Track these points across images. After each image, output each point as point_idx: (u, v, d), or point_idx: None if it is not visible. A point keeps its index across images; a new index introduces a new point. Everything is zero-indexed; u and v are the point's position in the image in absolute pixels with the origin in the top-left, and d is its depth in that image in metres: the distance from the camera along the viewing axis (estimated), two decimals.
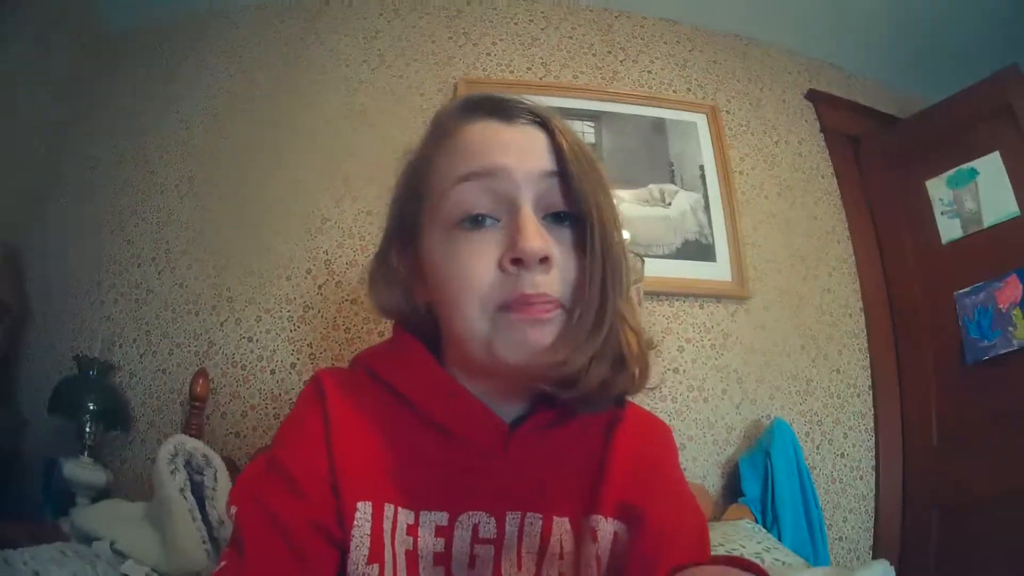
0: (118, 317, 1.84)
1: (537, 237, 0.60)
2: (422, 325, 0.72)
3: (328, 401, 0.65)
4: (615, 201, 0.68)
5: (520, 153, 0.64)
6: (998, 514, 1.75)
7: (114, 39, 2.23)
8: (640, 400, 0.73)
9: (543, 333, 0.60)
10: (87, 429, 1.62)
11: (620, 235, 0.66)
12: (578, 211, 0.63)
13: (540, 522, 0.64)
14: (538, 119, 0.66)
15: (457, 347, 0.67)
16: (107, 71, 2.18)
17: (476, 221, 0.63)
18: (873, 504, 1.94)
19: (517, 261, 0.60)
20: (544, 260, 0.60)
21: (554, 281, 0.61)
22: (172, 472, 1.35)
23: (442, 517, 0.63)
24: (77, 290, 1.89)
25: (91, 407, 1.63)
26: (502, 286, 0.61)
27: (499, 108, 0.67)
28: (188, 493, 1.36)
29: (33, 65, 2.00)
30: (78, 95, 2.14)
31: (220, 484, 1.40)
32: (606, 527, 0.64)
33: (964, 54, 2.33)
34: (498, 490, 0.65)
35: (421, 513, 0.62)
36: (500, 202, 0.63)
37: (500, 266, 0.61)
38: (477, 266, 0.61)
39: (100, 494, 1.59)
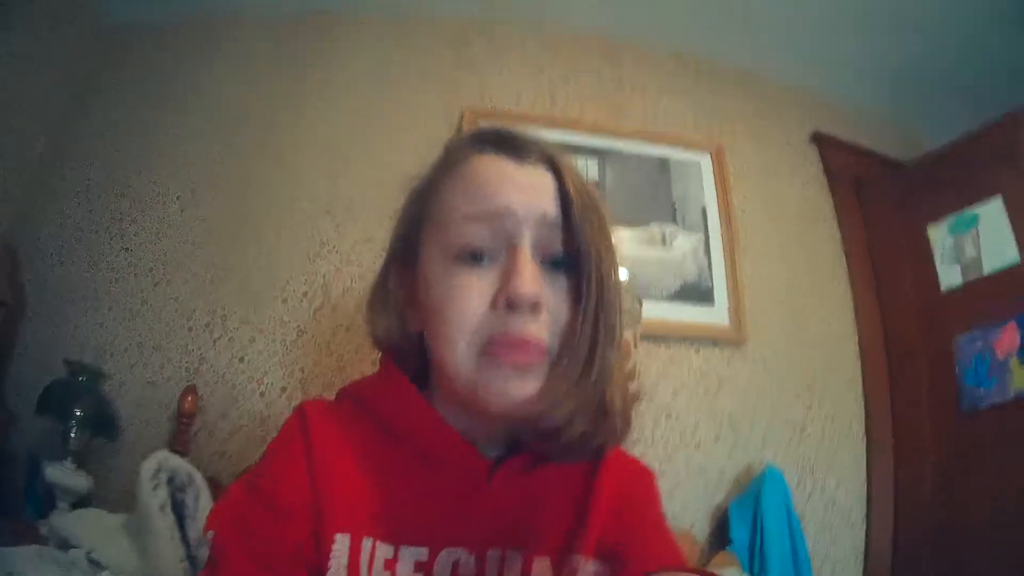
0: (111, 325, 1.85)
1: (530, 281, 0.61)
2: (411, 357, 0.73)
3: (311, 431, 0.66)
4: (615, 248, 0.69)
5: (526, 194, 0.65)
6: (993, 563, 1.73)
7: (120, 37, 2.23)
8: (632, 444, 0.74)
9: (525, 383, 0.62)
10: (72, 434, 1.62)
11: (618, 288, 0.67)
12: (577, 260, 0.65)
13: (520, 560, 0.65)
14: (548, 161, 0.68)
15: (444, 380, 0.68)
16: (111, 70, 2.19)
17: (474, 257, 0.64)
18: (863, 554, 1.93)
19: (509, 302, 0.61)
20: (535, 305, 0.62)
21: (544, 327, 0.63)
22: (154, 488, 1.35)
23: (423, 552, 0.63)
24: (73, 294, 1.89)
25: (78, 413, 1.64)
26: (492, 323, 0.62)
27: (510, 145, 0.69)
28: (169, 510, 1.36)
29: (36, 64, 2.01)
30: (81, 94, 2.15)
31: (202, 504, 1.39)
32: (587, 568, 0.65)
33: (971, 96, 2.34)
34: (480, 527, 0.66)
35: (401, 547, 0.63)
36: (500, 240, 0.64)
37: (493, 304, 0.62)
38: (470, 302, 0.63)
39: (81, 500, 1.59)
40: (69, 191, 2.03)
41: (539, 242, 0.65)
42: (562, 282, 0.65)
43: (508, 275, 0.62)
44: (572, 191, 0.66)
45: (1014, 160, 1.95)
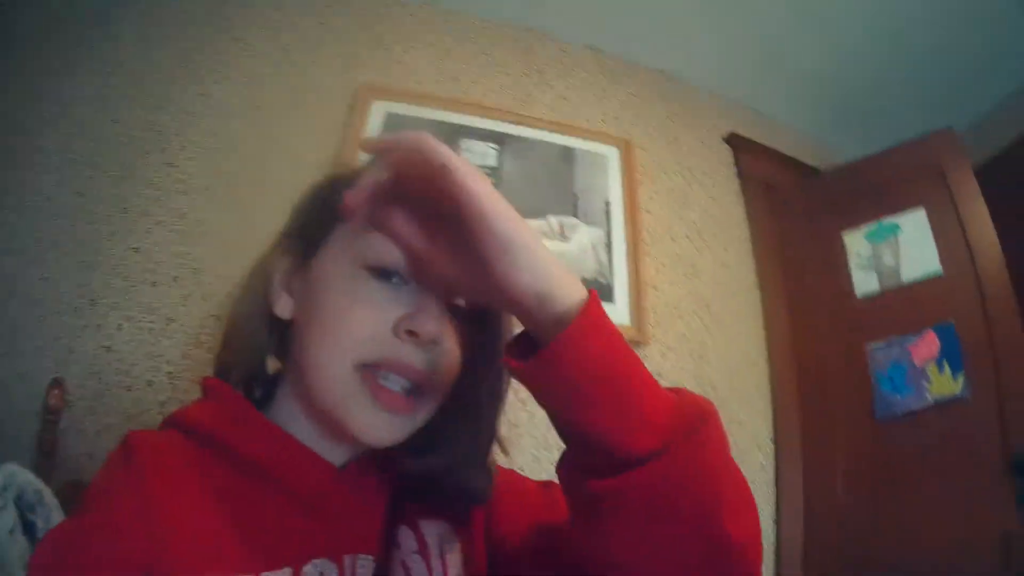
0: None
1: (437, 317, 0.64)
2: (254, 355, 0.72)
3: (141, 465, 0.61)
4: None
5: None
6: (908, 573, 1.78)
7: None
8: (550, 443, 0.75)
9: (393, 428, 0.65)
10: None
11: None
12: (479, 315, 0.70)
13: (372, 563, 0.66)
14: None
15: (304, 381, 0.67)
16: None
17: (386, 274, 0.65)
18: (772, 565, 1.92)
19: (411, 333, 0.63)
20: (434, 342, 0.64)
21: (437, 365, 0.65)
22: (1, 508, 1.24)
23: (286, 574, 0.61)
24: None
25: None
26: (384, 345, 0.63)
27: None
28: (20, 534, 1.22)
29: None
30: None
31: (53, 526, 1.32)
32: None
33: (892, 115, 2.43)
34: (334, 534, 0.65)
35: (262, 575, 0.60)
36: None
37: (394, 328, 0.64)
38: (368, 318, 0.64)
39: None
40: None
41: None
42: (462, 330, 0.69)
43: (418, 306, 0.64)
44: None
45: (940, 175, 2.02)
